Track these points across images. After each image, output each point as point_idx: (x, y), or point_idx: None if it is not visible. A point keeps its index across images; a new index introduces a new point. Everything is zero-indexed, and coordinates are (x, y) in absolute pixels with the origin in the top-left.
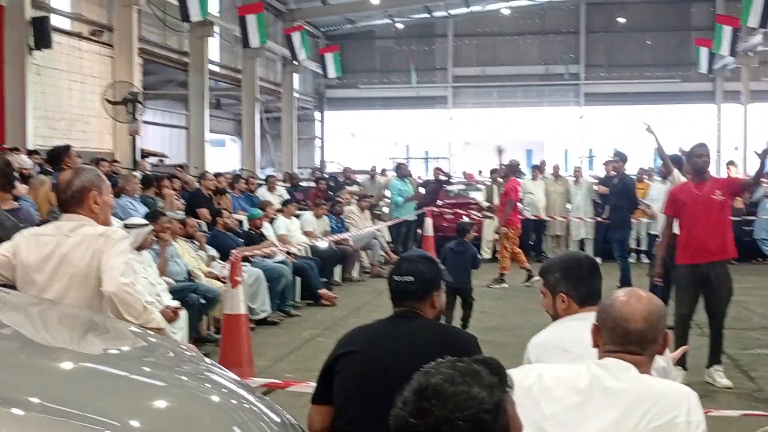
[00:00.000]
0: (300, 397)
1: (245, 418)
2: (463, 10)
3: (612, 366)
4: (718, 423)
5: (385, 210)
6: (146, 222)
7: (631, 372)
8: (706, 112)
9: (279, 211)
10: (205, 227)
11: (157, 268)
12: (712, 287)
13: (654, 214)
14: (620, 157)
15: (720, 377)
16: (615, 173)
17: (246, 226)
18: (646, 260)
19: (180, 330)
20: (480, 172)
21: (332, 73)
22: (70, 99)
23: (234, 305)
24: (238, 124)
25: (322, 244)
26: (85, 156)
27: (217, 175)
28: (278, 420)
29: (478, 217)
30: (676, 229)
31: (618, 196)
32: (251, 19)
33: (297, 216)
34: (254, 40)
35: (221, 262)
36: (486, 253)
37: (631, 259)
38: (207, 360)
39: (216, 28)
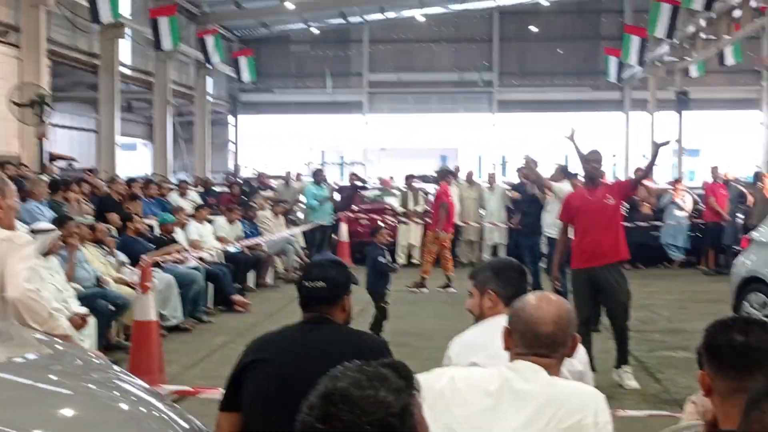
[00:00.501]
0: (211, 404)
1: (154, 426)
2: (379, 16)
3: (522, 369)
4: (624, 424)
5: (300, 215)
6: (53, 227)
7: (540, 374)
8: (615, 120)
9: (191, 216)
10: (115, 232)
11: (65, 273)
12: (609, 290)
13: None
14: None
15: (628, 379)
16: (526, 180)
17: (157, 231)
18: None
19: (88, 337)
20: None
21: (246, 77)
22: None
23: (144, 312)
24: (149, 127)
25: (235, 249)
26: None
27: (129, 180)
28: (188, 427)
29: (393, 222)
30: (571, 234)
31: (529, 203)
32: (164, 22)
33: (210, 221)
34: (167, 43)
35: (131, 267)
36: (401, 259)
37: (543, 264)
38: (116, 368)
39: (127, 30)
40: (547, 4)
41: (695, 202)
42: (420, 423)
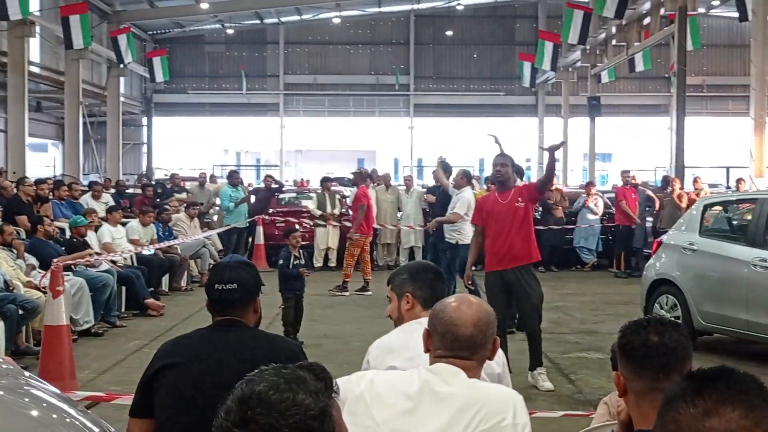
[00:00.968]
0: (125, 410)
1: None
2: (295, 17)
3: (442, 371)
4: (540, 424)
5: (215, 218)
6: None
7: (460, 376)
8: (529, 124)
9: (104, 218)
10: (24, 235)
11: None
12: (521, 293)
13: None
14: (443, 167)
15: (543, 380)
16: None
17: (68, 234)
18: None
19: None
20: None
21: (160, 77)
22: None
23: (55, 316)
24: (60, 128)
25: (149, 252)
26: None
27: (38, 181)
28: None
29: (310, 225)
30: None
31: (442, 206)
32: (74, 20)
33: (123, 224)
34: (78, 42)
35: (41, 271)
36: (318, 262)
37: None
38: (26, 373)
39: (37, 28)
40: (462, 8)
41: (606, 206)
42: (339, 425)
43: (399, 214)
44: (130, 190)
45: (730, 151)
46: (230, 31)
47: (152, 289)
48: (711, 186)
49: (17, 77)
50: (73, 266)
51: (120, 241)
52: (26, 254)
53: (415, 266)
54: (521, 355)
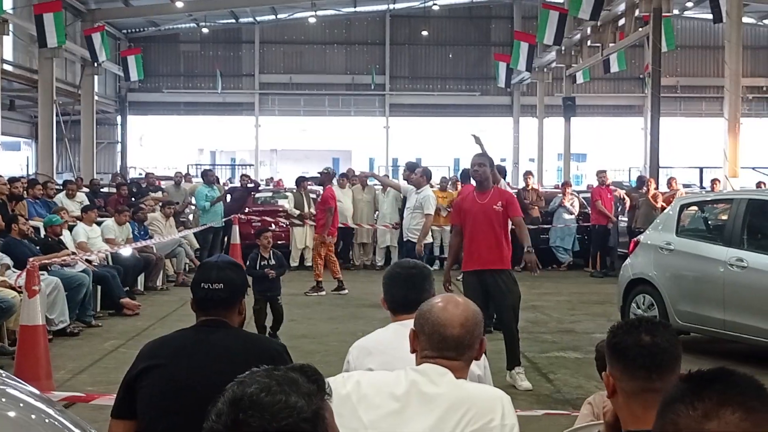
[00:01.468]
0: (103, 410)
1: None
2: (270, 17)
3: (429, 371)
4: (520, 423)
5: (191, 217)
6: None
7: (447, 377)
8: (504, 124)
9: (78, 218)
10: None
11: None
12: (498, 294)
13: None
14: (409, 168)
15: (521, 380)
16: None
17: (43, 233)
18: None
19: None
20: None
21: (134, 75)
22: None
23: (31, 316)
24: (33, 126)
25: (125, 251)
26: None
27: (12, 179)
28: None
29: (286, 224)
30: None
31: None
32: (48, 18)
33: (98, 223)
34: (51, 40)
35: (16, 270)
36: (294, 261)
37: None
38: (2, 372)
39: (10, 26)
40: (437, 9)
41: (582, 206)
42: (331, 428)
43: (375, 214)
44: (105, 189)
45: (702, 151)
46: (205, 31)
47: (127, 288)
48: (685, 186)
49: None
50: (48, 266)
51: (95, 241)
52: (0, 253)
53: (391, 269)
54: (499, 354)
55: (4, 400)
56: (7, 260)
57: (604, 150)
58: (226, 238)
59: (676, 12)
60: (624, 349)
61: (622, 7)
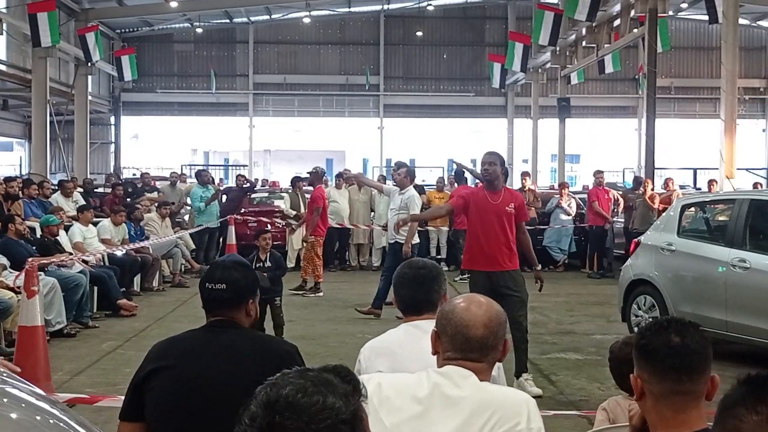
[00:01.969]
0: (102, 412)
1: None
2: (264, 17)
3: (452, 374)
4: None
5: (187, 218)
6: None
7: (471, 380)
8: (498, 125)
9: (74, 218)
10: None
11: None
12: (510, 293)
13: None
14: (399, 167)
15: (530, 386)
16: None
17: (39, 233)
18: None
19: None
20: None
21: (128, 75)
22: None
23: (30, 317)
24: (27, 126)
25: (120, 253)
26: None
27: (7, 178)
28: None
29: (281, 225)
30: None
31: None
32: (42, 17)
33: (94, 223)
34: (45, 39)
35: (12, 271)
36: (290, 262)
37: None
38: (4, 372)
39: (4, 25)
40: (432, 9)
41: (579, 206)
42: (367, 430)
43: (372, 215)
44: (99, 189)
45: (697, 152)
46: (199, 30)
47: (124, 289)
48: (680, 187)
49: None
50: (45, 266)
51: (91, 241)
52: None
53: (398, 271)
54: (507, 359)
55: (6, 400)
56: (4, 260)
57: (598, 151)
58: (221, 239)
59: (670, 13)
60: (653, 351)
61: (617, 7)
